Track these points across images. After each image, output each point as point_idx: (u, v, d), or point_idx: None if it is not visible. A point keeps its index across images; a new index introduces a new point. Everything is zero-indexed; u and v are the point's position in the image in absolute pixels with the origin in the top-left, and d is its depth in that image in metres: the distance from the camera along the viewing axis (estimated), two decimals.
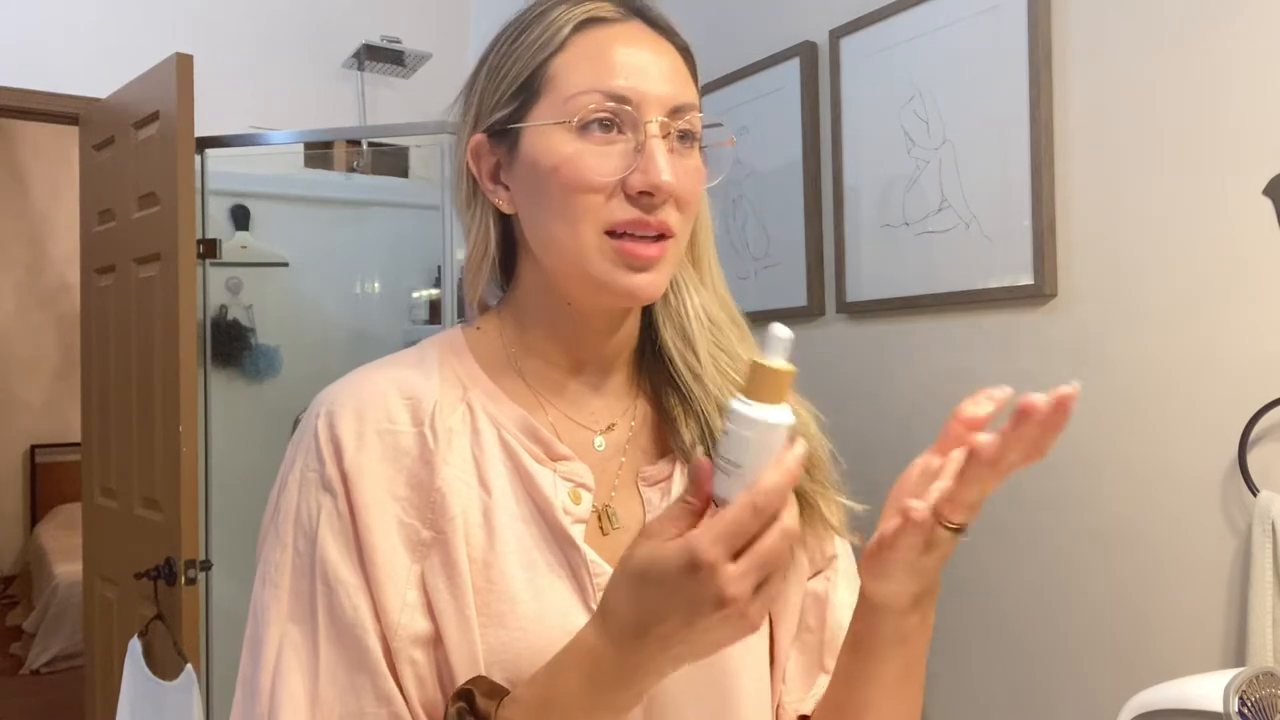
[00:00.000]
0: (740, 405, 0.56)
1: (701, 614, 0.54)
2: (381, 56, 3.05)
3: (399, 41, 3.04)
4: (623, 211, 0.67)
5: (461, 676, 0.64)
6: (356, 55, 3.03)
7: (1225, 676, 1.10)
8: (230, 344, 2.81)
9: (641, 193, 0.66)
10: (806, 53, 2.05)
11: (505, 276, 0.77)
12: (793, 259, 2.08)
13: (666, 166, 0.66)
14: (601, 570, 0.68)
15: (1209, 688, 1.09)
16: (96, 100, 2.57)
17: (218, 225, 2.75)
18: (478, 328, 0.78)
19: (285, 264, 2.91)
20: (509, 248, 0.76)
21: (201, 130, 2.27)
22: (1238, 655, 1.37)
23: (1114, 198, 1.54)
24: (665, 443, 0.76)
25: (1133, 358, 1.51)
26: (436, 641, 0.65)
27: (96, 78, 2.59)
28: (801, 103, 2.06)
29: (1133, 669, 1.50)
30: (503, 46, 0.72)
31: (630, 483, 0.74)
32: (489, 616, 0.65)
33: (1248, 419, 1.35)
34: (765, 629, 0.76)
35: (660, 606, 0.54)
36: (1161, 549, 1.48)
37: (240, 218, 2.85)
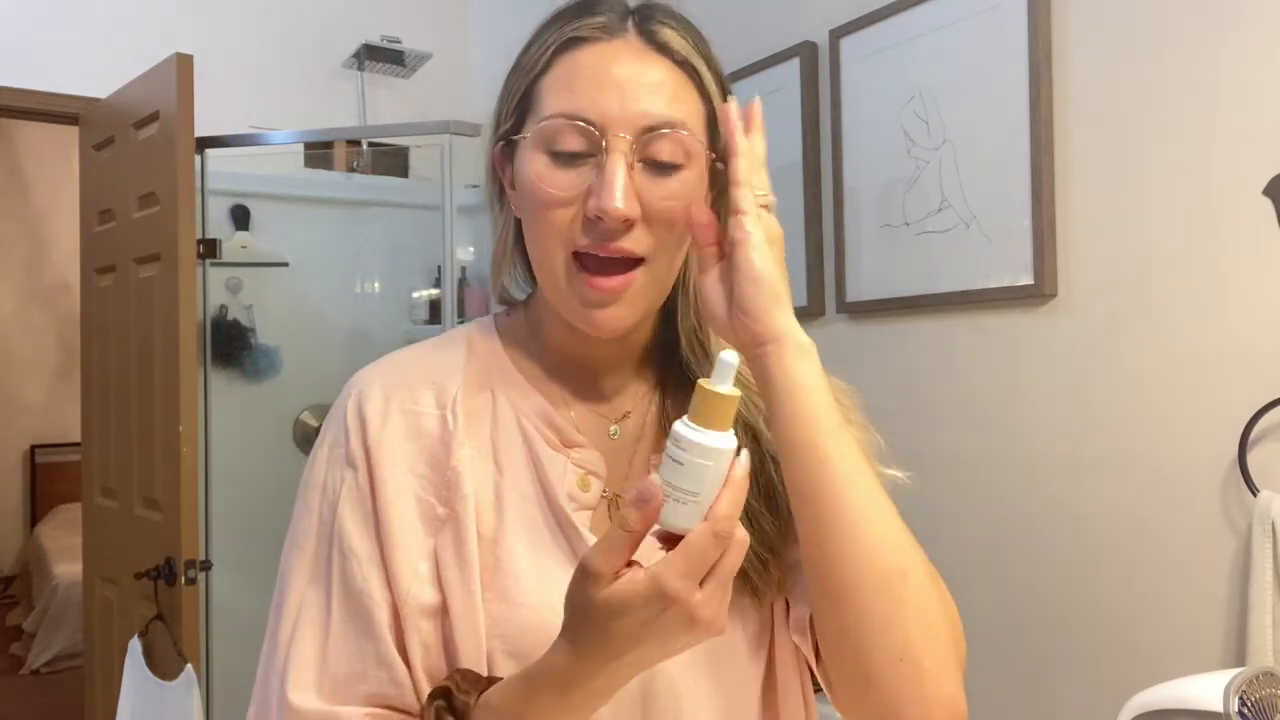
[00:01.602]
0: (694, 433, 0.55)
1: (674, 636, 0.57)
2: (381, 56, 3.05)
3: (399, 41, 3.05)
4: (583, 236, 0.68)
5: (464, 646, 0.68)
6: (356, 55, 3.03)
7: (1225, 676, 1.10)
8: (230, 344, 2.81)
9: (597, 217, 0.66)
10: (806, 53, 2.05)
11: (530, 276, 0.80)
12: (793, 259, 2.08)
13: (620, 191, 0.65)
14: None
15: (1209, 688, 1.09)
16: (96, 100, 2.57)
17: (218, 225, 2.76)
18: (509, 314, 0.82)
19: (285, 264, 2.91)
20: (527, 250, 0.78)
21: (201, 130, 2.27)
22: (1238, 655, 1.37)
23: (1114, 198, 1.54)
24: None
25: (1133, 358, 1.51)
26: (443, 612, 0.69)
27: (96, 78, 2.59)
28: (801, 103, 2.06)
29: (1133, 669, 1.50)
30: (514, 61, 0.74)
31: (643, 470, 0.76)
32: (494, 591, 0.69)
33: (1248, 419, 1.35)
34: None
35: (634, 636, 0.57)
36: (1161, 549, 1.48)
37: (240, 218, 2.85)
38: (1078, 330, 1.59)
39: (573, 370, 0.78)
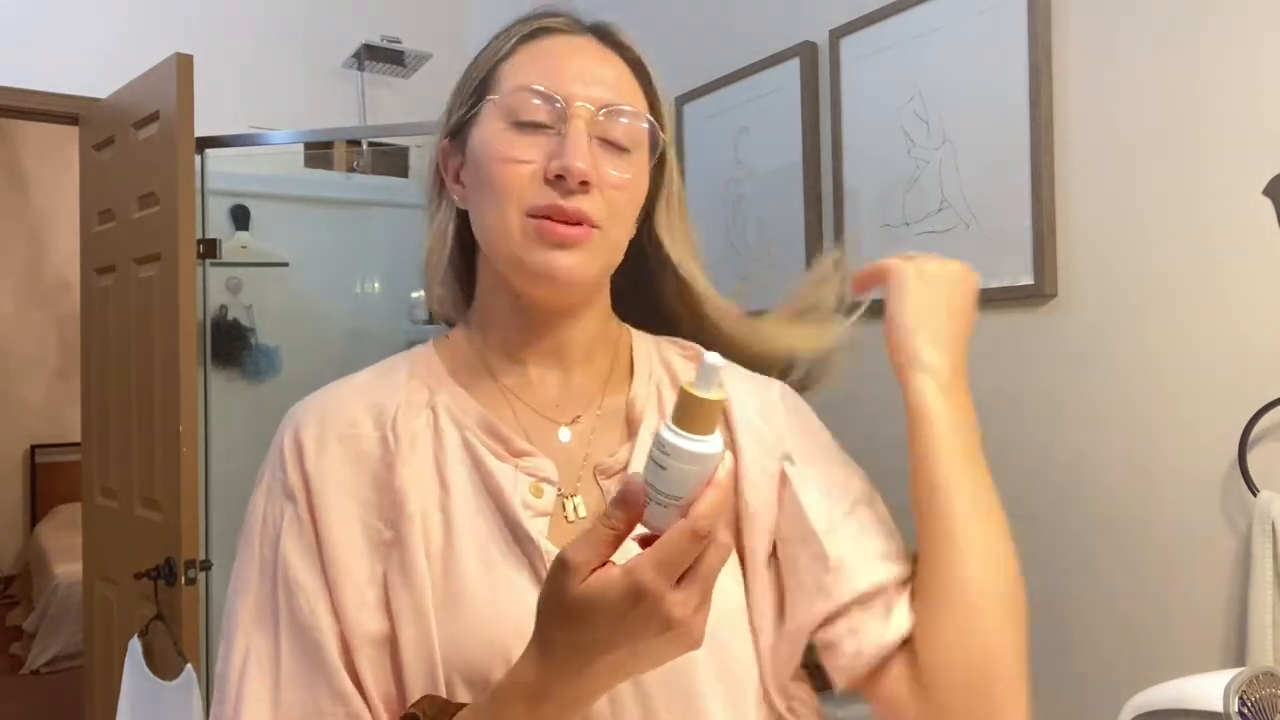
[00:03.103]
0: (677, 438, 0.54)
1: (647, 639, 0.55)
2: (381, 56, 3.05)
3: (399, 41, 3.04)
4: (542, 196, 0.70)
5: (416, 672, 0.66)
6: (356, 55, 3.03)
7: (1225, 676, 1.10)
8: (230, 344, 2.81)
9: (558, 176, 0.69)
10: (806, 53, 2.05)
11: (469, 282, 0.81)
12: (793, 259, 2.08)
13: (583, 153, 0.69)
14: None
15: (1209, 688, 1.09)
16: (96, 100, 2.57)
17: (218, 225, 2.75)
18: (448, 337, 0.82)
19: (285, 264, 2.91)
20: (470, 253, 0.80)
21: (201, 130, 2.27)
22: (1238, 655, 1.37)
23: (1114, 198, 1.54)
24: (623, 431, 0.78)
25: (1133, 358, 1.51)
26: (393, 638, 0.67)
27: (96, 78, 2.59)
28: (801, 103, 2.06)
29: (1133, 669, 1.50)
30: (471, 61, 0.78)
31: (593, 475, 0.75)
32: (446, 611, 0.67)
33: (1248, 419, 1.35)
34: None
35: (605, 638, 0.55)
36: (1161, 549, 1.48)
37: (240, 218, 2.85)
38: (1078, 330, 1.59)
39: (518, 374, 0.77)
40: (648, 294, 0.83)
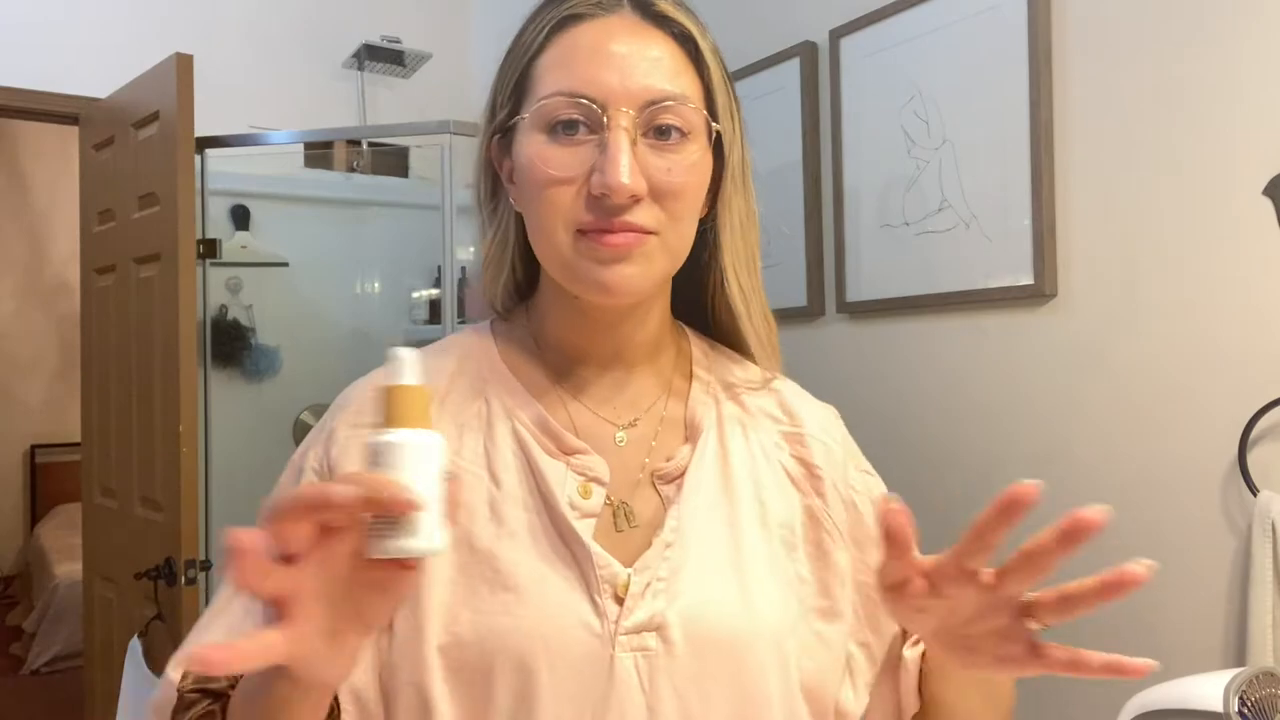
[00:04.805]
0: (391, 437, 0.49)
1: None
2: (381, 56, 3.05)
3: (399, 41, 3.04)
4: (587, 214, 0.67)
5: (403, 667, 0.66)
6: (356, 55, 3.03)
7: (1225, 676, 1.10)
8: (230, 344, 2.81)
9: (602, 194, 0.65)
10: (806, 53, 2.05)
11: (530, 275, 0.78)
12: (793, 259, 2.08)
13: (626, 167, 0.64)
14: (606, 563, 0.68)
15: (1209, 688, 1.09)
16: (96, 100, 2.57)
17: (218, 225, 2.76)
18: (509, 319, 0.80)
19: (285, 264, 2.91)
20: (530, 248, 0.76)
21: (201, 130, 2.27)
22: (1238, 655, 1.37)
23: (1114, 198, 1.54)
24: (683, 438, 0.76)
25: (1133, 358, 1.51)
26: (387, 628, 0.66)
27: (96, 78, 2.59)
28: (801, 103, 2.06)
29: None
30: (508, 48, 0.73)
31: (650, 480, 0.74)
32: (498, 604, 0.66)
33: (1248, 419, 1.35)
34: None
35: None
36: (1161, 549, 1.48)
37: (240, 218, 2.85)
38: (1078, 330, 1.59)
39: (576, 373, 0.76)
40: (698, 283, 0.78)
